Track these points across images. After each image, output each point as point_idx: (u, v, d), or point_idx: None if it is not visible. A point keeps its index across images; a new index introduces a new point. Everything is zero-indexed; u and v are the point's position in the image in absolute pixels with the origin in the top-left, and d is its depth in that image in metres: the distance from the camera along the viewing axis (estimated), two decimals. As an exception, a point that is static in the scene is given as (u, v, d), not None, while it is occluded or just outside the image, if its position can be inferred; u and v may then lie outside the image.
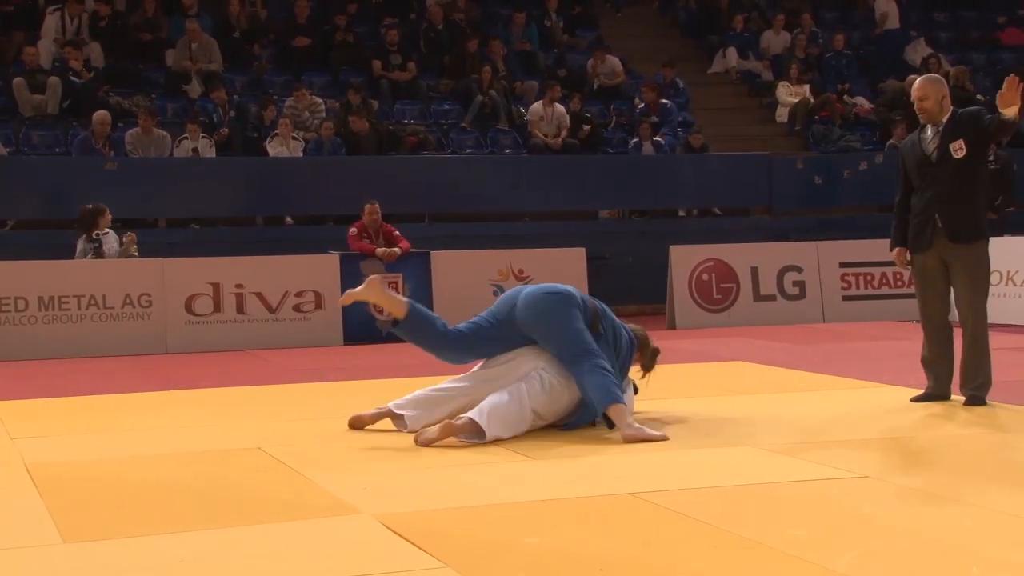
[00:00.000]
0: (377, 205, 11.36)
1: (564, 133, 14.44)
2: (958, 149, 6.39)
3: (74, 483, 5.04)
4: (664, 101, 15.38)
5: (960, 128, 6.44)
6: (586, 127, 14.65)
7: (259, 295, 10.90)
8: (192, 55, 14.35)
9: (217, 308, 10.83)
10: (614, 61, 16.12)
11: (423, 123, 14.62)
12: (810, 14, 17.66)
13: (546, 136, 14.36)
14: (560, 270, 11.69)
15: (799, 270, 12.29)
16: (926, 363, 6.66)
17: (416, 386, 7.73)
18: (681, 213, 14.98)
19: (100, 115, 12.73)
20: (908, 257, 6.68)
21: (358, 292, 6.03)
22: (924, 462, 5.22)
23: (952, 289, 6.57)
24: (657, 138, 14.77)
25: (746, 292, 12.17)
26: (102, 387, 8.27)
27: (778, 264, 12.28)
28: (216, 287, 10.83)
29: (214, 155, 13.15)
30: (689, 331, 11.58)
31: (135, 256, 11.00)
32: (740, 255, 12.27)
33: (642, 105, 15.29)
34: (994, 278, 11.29)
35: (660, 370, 8.41)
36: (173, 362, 9.94)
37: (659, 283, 12.12)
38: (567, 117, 14.58)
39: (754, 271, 12.20)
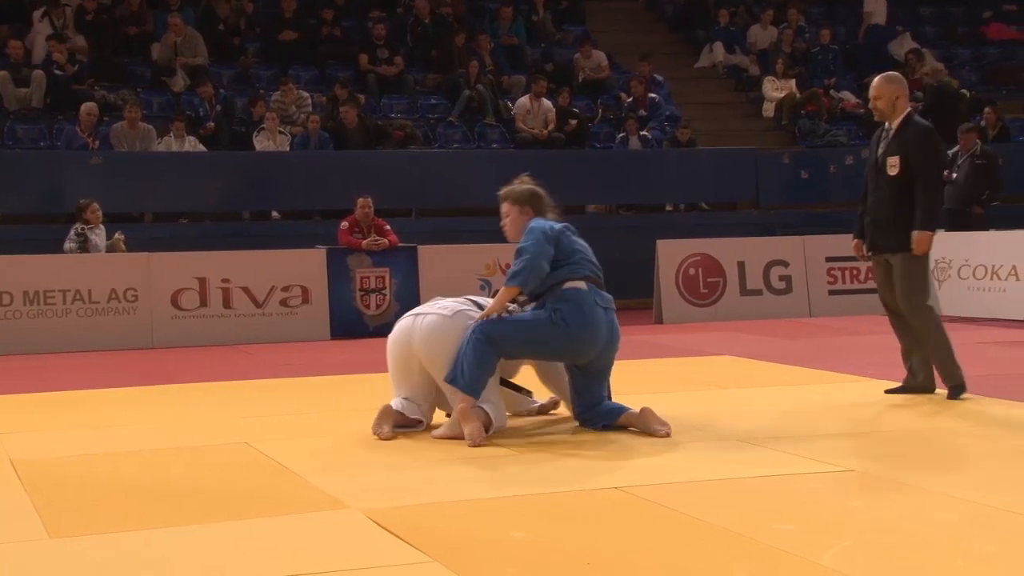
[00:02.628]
0: (370, 199, 11.35)
1: (551, 127, 14.44)
2: (893, 166, 6.48)
3: (59, 478, 5.02)
4: (652, 95, 15.39)
5: (905, 142, 6.49)
6: (573, 122, 14.65)
7: (245, 289, 10.88)
8: (177, 49, 14.29)
9: (203, 303, 10.80)
10: (600, 56, 16.13)
11: (410, 118, 14.59)
12: (797, 9, 17.68)
13: (532, 130, 14.36)
14: (547, 264, 11.71)
15: (785, 264, 12.32)
16: (903, 355, 6.72)
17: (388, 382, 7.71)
18: (668, 208, 14.99)
19: (87, 106, 12.72)
20: (864, 251, 6.77)
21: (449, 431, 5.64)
22: (910, 456, 5.24)
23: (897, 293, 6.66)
24: (644, 133, 14.78)
25: (733, 287, 12.19)
26: (88, 382, 8.25)
27: (764, 258, 12.30)
28: (202, 282, 10.80)
29: (203, 150, 13.11)
30: (676, 326, 11.59)
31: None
32: (727, 249, 12.29)
33: (630, 99, 15.30)
34: (979, 272, 11.39)
35: (647, 364, 8.44)
36: (159, 357, 9.91)
37: (646, 278, 12.12)
38: (554, 111, 14.58)
39: (741, 266, 12.21)
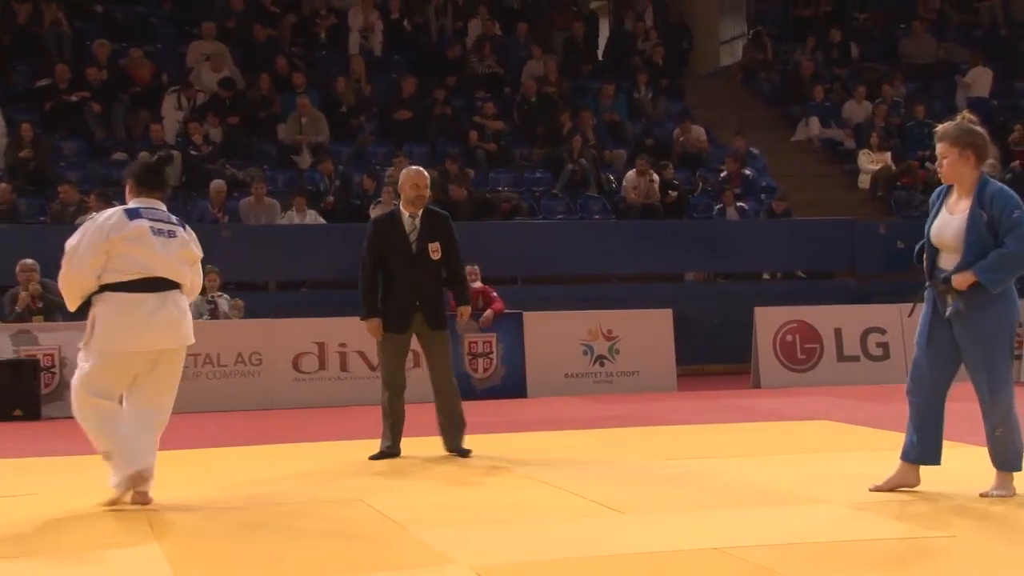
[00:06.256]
0: (477, 268, 11.50)
1: (653, 198, 14.52)
2: (435, 251, 7.11)
3: (189, 531, 5.15)
4: (746, 172, 15.35)
5: (435, 229, 7.13)
6: (673, 193, 14.68)
7: (361, 354, 11.01)
8: (302, 129, 14.72)
9: (322, 366, 10.99)
10: (699, 130, 16.17)
11: (516, 190, 14.76)
12: (891, 85, 17.48)
13: (646, 200, 14.45)
14: (647, 331, 11.70)
15: (883, 332, 12.06)
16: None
17: (498, 441, 7.76)
18: (765, 276, 14.83)
19: (216, 184, 13.15)
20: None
21: None
22: (1010, 524, 5.06)
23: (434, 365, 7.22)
24: (741, 203, 14.72)
25: (830, 353, 11.98)
26: (216, 440, 8.43)
27: (861, 326, 12.07)
28: (321, 346, 11.00)
29: (323, 222, 13.42)
30: (774, 390, 11.42)
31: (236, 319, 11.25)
32: (824, 317, 12.10)
33: (725, 173, 15.28)
34: None
35: (745, 428, 8.32)
36: (281, 417, 10.08)
37: (744, 343, 11.99)
38: (656, 184, 14.64)
39: (838, 332, 12.00)
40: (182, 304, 5.78)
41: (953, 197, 5.50)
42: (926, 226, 5.54)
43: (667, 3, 19.01)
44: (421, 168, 7.43)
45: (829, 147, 17.03)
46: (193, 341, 5.85)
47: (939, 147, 5.48)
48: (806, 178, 16.43)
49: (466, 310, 7.39)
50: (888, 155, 15.96)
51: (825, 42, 18.47)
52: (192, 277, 5.85)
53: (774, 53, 18.69)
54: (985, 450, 6.58)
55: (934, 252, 5.50)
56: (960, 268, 5.35)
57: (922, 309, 5.60)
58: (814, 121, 17.14)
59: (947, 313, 5.40)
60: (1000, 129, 16.53)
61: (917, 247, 5.65)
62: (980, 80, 17.59)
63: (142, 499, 5.59)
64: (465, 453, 7.17)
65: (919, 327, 5.59)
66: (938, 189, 5.60)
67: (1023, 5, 19.59)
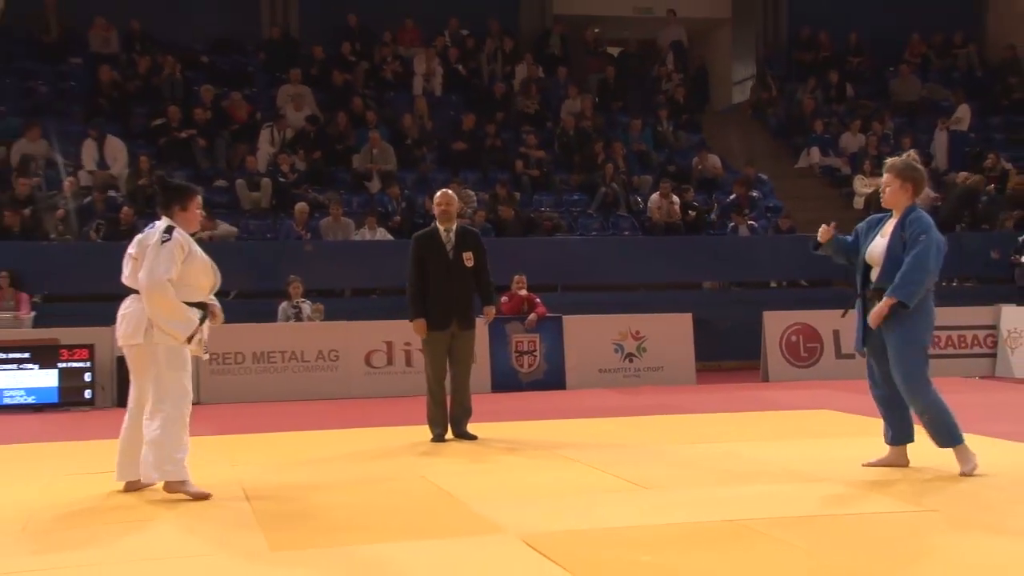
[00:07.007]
0: (523, 277, 11.55)
1: (675, 218, 14.46)
2: (468, 259, 7.20)
3: (280, 502, 5.20)
4: (753, 194, 15.25)
5: (468, 241, 7.23)
6: (692, 213, 14.62)
7: (423, 351, 11.06)
8: (373, 158, 14.83)
9: (390, 362, 11.05)
10: (714, 158, 16.09)
11: (556, 211, 14.77)
12: (881, 120, 17.29)
13: (667, 219, 14.41)
14: (670, 332, 11.66)
15: (875, 333, 11.91)
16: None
17: (541, 428, 7.75)
18: (772, 284, 14.71)
19: (300, 206, 13.27)
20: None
21: None
22: (983, 499, 4.99)
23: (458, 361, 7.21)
24: (751, 222, 14.62)
25: (829, 351, 11.86)
26: (301, 425, 8.51)
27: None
28: (389, 345, 11.06)
29: (391, 238, 13.49)
30: (780, 383, 11.33)
31: (317, 321, 11.37)
32: (824, 320, 11.97)
33: (734, 196, 15.20)
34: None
35: (754, 416, 8.25)
36: (355, 405, 10.16)
37: (754, 343, 11.91)
38: (677, 205, 14.59)
39: (836, 333, 11.88)
40: (130, 308, 5.30)
41: (887, 224, 5.60)
42: (861, 250, 5.55)
43: (687, 49, 18.94)
44: (446, 190, 7.54)
45: (828, 173, 16.88)
46: (132, 342, 5.26)
47: (885, 176, 5.61)
48: (808, 200, 16.28)
49: (491, 310, 7.44)
50: (879, 180, 15.75)
51: (824, 82, 18.31)
52: (141, 277, 5.19)
53: (779, 92, 18.57)
54: (970, 435, 6.50)
55: (867, 269, 5.53)
56: (879, 278, 5.44)
57: (855, 316, 5.64)
58: (815, 151, 17.00)
59: (868, 321, 5.48)
60: (978, 157, 16.31)
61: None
62: (961, 116, 17.36)
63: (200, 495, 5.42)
64: (472, 437, 7.18)
65: (856, 335, 5.65)
66: (868, 219, 5.66)
67: (996, 50, 19.35)
